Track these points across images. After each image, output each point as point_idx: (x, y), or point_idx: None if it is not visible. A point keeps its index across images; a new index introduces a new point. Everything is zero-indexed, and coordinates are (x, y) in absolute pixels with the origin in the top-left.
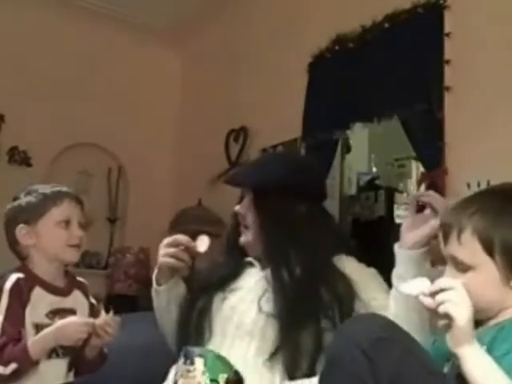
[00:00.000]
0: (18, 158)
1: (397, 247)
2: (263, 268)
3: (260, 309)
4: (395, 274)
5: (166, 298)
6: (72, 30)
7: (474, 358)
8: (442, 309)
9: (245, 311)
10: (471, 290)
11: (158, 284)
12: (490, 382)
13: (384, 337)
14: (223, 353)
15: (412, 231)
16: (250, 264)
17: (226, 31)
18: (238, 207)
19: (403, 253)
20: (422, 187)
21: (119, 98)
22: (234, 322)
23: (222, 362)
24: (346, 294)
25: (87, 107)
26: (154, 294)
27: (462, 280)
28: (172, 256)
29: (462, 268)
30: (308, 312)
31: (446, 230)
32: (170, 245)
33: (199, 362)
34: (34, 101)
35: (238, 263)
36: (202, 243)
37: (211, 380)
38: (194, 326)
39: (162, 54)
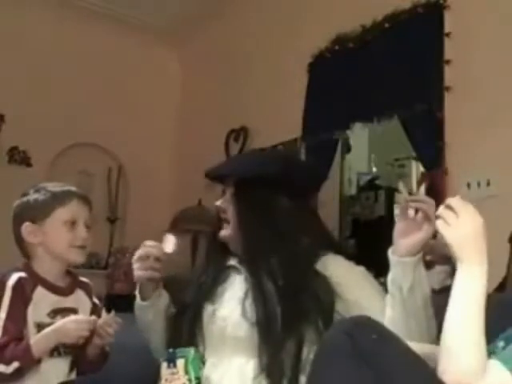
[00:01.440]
0: (18, 157)
1: (390, 253)
2: (246, 270)
3: (245, 315)
4: (391, 279)
5: (152, 313)
6: (72, 30)
7: (460, 279)
8: (437, 224)
9: (238, 324)
10: None
11: (143, 299)
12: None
13: (364, 322)
14: (219, 374)
15: (404, 237)
16: (235, 268)
17: (225, 31)
18: (219, 202)
19: (398, 260)
20: (422, 187)
21: (119, 97)
22: (228, 337)
23: (200, 359)
24: (326, 297)
25: (87, 107)
26: (137, 310)
27: None
28: (147, 268)
29: None
30: (290, 323)
31: None
32: (141, 258)
33: (181, 363)
34: (34, 101)
35: (220, 266)
36: (169, 243)
37: (195, 378)
38: (185, 341)
39: (161, 54)
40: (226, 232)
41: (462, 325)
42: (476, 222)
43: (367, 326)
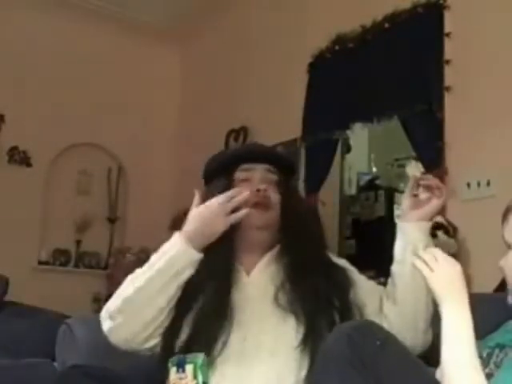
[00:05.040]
0: (18, 158)
1: (402, 221)
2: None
3: (278, 305)
4: (402, 244)
5: (189, 274)
6: (72, 30)
7: (446, 318)
8: (419, 267)
9: (260, 329)
10: (507, 269)
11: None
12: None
13: (367, 327)
14: (245, 382)
15: (414, 211)
16: (236, 270)
17: (225, 31)
18: (263, 185)
19: (415, 223)
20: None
21: (119, 97)
22: (250, 342)
23: (208, 365)
24: (343, 284)
25: (87, 107)
26: (179, 263)
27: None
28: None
29: (508, 246)
30: (325, 293)
31: (505, 212)
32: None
33: (190, 368)
34: (34, 101)
35: (228, 266)
36: None
37: (203, 383)
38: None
39: (161, 54)
40: (269, 217)
41: (459, 365)
42: (456, 267)
43: (369, 332)
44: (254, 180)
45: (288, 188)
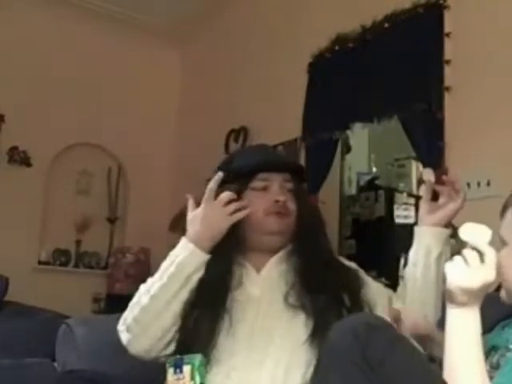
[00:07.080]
0: (18, 158)
1: (419, 226)
2: (286, 259)
3: (288, 303)
4: (416, 248)
5: (198, 276)
6: (72, 30)
7: (451, 322)
8: (454, 260)
9: (270, 326)
10: (502, 266)
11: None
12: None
13: (375, 324)
14: (253, 376)
15: (432, 215)
16: (240, 266)
17: (225, 31)
18: (282, 197)
19: (430, 228)
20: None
21: (119, 97)
22: (258, 338)
23: (206, 366)
24: (355, 284)
25: (87, 107)
26: (189, 268)
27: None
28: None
29: (504, 244)
30: (334, 291)
31: (503, 208)
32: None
33: (188, 369)
34: (34, 101)
35: (236, 264)
36: None
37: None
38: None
39: (161, 54)
40: (288, 223)
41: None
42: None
43: (379, 331)
44: (273, 190)
45: (302, 195)
